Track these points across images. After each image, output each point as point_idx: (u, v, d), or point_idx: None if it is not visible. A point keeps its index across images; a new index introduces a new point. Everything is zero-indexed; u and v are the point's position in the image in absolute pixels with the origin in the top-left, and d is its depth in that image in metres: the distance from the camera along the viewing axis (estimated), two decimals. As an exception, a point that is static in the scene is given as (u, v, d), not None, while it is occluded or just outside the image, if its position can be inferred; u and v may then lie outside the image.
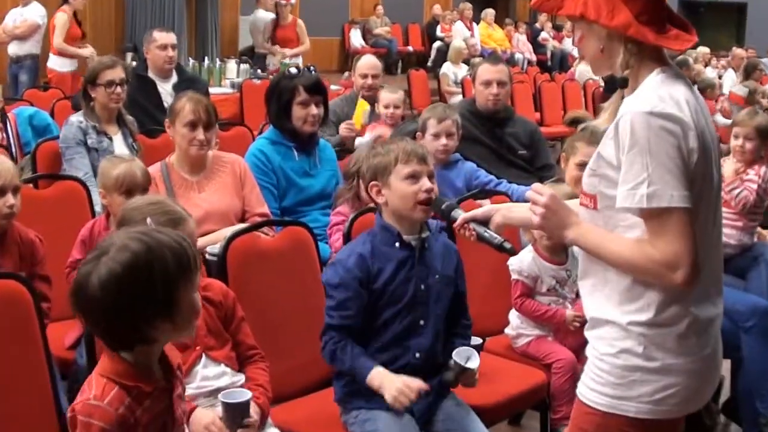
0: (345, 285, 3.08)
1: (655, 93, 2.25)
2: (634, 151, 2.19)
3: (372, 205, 3.47)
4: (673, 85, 2.27)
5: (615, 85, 2.55)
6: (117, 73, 5.25)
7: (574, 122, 4.86)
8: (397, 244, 3.13)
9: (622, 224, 2.30)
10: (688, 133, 2.19)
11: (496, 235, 2.62)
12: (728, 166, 4.84)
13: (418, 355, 3.13)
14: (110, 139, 5.22)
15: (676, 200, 2.17)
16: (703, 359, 2.33)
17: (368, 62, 6.46)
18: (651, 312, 2.28)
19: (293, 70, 4.86)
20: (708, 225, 2.31)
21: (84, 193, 4.42)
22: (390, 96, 6.04)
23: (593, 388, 2.36)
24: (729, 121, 9.33)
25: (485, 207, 2.70)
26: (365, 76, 6.33)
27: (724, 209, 4.46)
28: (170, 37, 6.53)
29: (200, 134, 4.24)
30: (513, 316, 4.03)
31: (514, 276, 3.94)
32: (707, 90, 11.03)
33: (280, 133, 4.74)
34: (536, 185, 2.43)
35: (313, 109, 4.74)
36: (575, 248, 3.81)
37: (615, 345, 2.33)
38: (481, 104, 5.49)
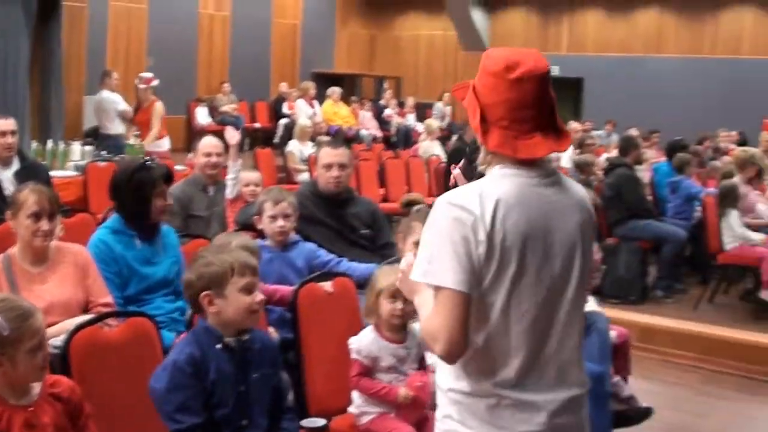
0: (182, 386, 3.16)
1: (470, 186, 2.47)
2: (429, 232, 2.43)
3: None
4: (498, 183, 2.44)
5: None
6: None
7: (410, 204, 5.05)
8: (218, 346, 3.25)
9: None
10: (478, 227, 2.36)
11: None
12: None
13: None
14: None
15: (447, 281, 2.36)
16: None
17: (211, 142, 6.58)
18: (466, 381, 2.48)
19: (148, 162, 4.91)
20: (513, 311, 2.43)
21: None
22: (250, 176, 6.40)
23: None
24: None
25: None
26: (209, 155, 6.42)
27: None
28: (8, 124, 6.46)
29: (44, 225, 4.24)
30: (355, 394, 4.10)
31: (353, 355, 4.04)
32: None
33: (122, 221, 4.76)
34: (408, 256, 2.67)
35: (168, 199, 4.85)
36: (415, 325, 4.03)
37: (441, 410, 2.55)
38: (323, 186, 5.64)
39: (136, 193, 4.73)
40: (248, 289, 3.26)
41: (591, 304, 5.25)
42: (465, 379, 2.48)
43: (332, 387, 4.21)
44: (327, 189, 5.62)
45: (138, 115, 11.88)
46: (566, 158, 12.46)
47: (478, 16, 21.93)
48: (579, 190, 2.60)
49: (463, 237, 2.37)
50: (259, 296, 3.28)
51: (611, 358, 5.13)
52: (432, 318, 2.42)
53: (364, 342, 4.06)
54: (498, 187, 2.43)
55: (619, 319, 5.98)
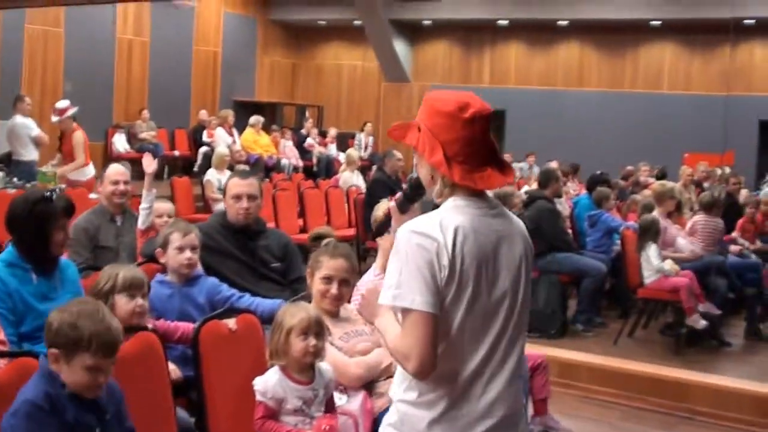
0: (43, 424, 3.02)
1: (429, 216, 2.67)
2: (395, 259, 2.62)
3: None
4: (454, 214, 2.66)
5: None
6: None
7: (318, 238, 4.92)
8: (64, 390, 3.09)
9: None
10: (441, 253, 2.57)
11: None
12: None
13: None
14: None
15: (416, 304, 2.55)
16: None
17: (118, 169, 6.37)
18: (413, 394, 2.67)
19: (49, 193, 4.64)
20: (470, 332, 2.65)
21: None
22: (163, 206, 6.23)
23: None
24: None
25: None
26: (116, 183, 6.19)
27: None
28: None
29: None
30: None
31: (258, 397, 3.87)
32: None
33: (17, 254, 4.49)
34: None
35: (67, 232, 4.59)
36: (323, 365, 3.87)
37: (388, 418, 2.75)
38: (232, 217, 5.46)
39: (36, 227, 4.46)
40: (94, 369, 3.09)
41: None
42: (415, 390, 2.67)
43: (236, 429, 4.01)
44: (236, 220, 5.44)
45: (63, 144, 11.42)
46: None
47: (400, 47, 21.97)
48: (518, 221, 2.84)
49: (428, 262, 2.58)
50: (100, 378, 3.12)
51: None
52: (402, 338, 2.60)
53: (270, 383, 3.89)
54: (455, 216, 2.65)
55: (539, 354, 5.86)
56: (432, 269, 2.57)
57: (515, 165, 16.23)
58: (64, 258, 4.79)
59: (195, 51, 20.04)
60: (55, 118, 11.30)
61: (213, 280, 4.94)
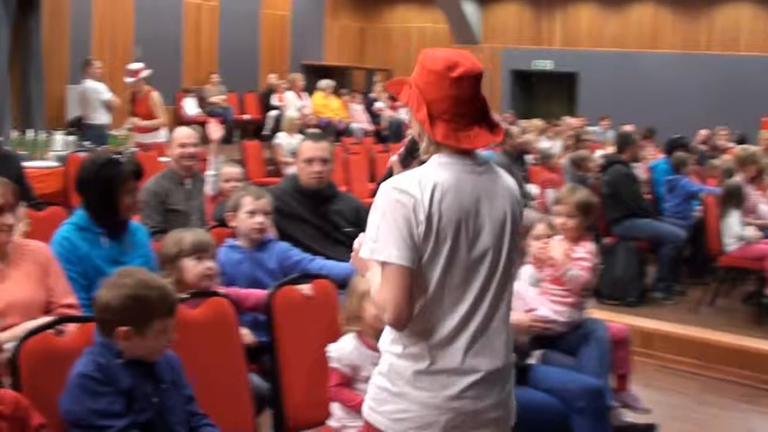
0: (96, 393, 3.04)
1: (410, 174, 2.74)
2: (375, 214, 2.71)
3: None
4: (436, 170, 2.72)
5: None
6: None
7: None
8: (119, 360, 3.12)
9: None
10: (418, 209, 2.65)
11: None
12: (557, 247, 4.79)
13: None
14: None
15: (392, 257, 2.64)
16: (444, 399, 2.70)
17: (185, 132, 6.30)
18: (399, 347, 2.75)
19: (117, 156, 4.54)
20: (450, 288, 2.72)
21: None
22: (231, 171, 6.09)
23: (366, 403, 2.86)
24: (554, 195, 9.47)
25: None
26: (184, 146, 6.13)
27: (554, 286, 4.44)
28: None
29: (8, 219, 3.92)
30: (335, 406, 3.85)
31: (332, 364, 3.79)
32: (547, 160, 11.18)
33: (88, 218, 4.42)
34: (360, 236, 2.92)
35: (136, 196, 4.52)
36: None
37: (378, 367, 2.84)
38: (304, 181, 5.35)
39: (103, 190, 4.38)
40: (165, 331, 3.18)
41: (588, 311, 4.98)
42: (399, 344, 2.75)
43: (311, 397, 3.94)
44: (308, 184, 5.34)
45: (135, 106, 11.49)
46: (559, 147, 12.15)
47: (469, 9, 21.66)
48: (508, 178, 2.87)
49: (405, 218, 2.64)
50: (171, 336, 3.21)
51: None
52: (380, 291, 2.68)
53: (345, 350, 3.80)
54: (436, 173, 2.70)
55: (617, 322, 5.67)
56: (409, 225, 2.64)
57: (589, 128, 15.86)
58: (134, 221, 4.72)
59: (264, 15, 19.93)
60: (129, 80, 11.30)
61: (283, 245, 4.84)
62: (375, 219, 2.70)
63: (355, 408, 3.72)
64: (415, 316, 2.69)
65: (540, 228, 4.89)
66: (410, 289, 2.66)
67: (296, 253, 4.80)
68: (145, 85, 11.42)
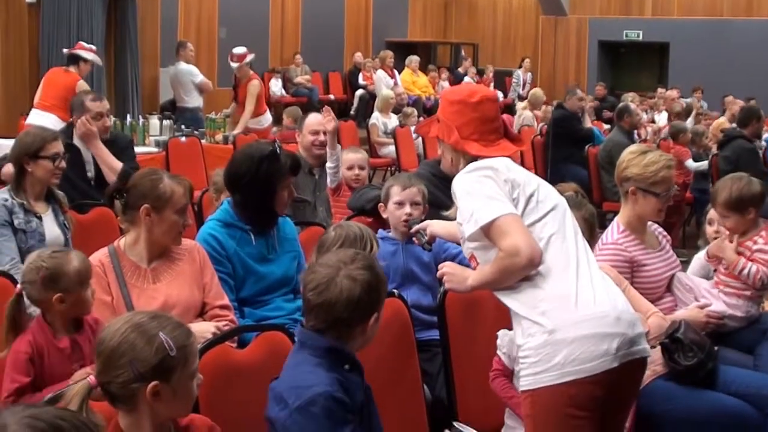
0: (348, 421, 2.63)
1: (472, 165, 3.14)
2: (462, 199, 3.06)
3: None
4: (479, 163, 3.13)
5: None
6: (60, 146, 4.78)
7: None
8: (346, 368, 2.72)
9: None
10: (499, 175, 3.03)
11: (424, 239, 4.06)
12: (727, 248, 4.40)
13: None
14: (39, 218, 4.68)
15: (498, 211, 2.91)
16: (593, 323, 2.87)
17: (317, 119, 5.98)
18: (532, 325, 2.91)
19: (276, 149, 4.26)
20: (548, 239, 2.99)
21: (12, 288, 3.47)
22: (354, 156, 5.75)
23: (521, 376, 2.96)
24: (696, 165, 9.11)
25: (425, 222, 4.08)
26: (316, 133, 5.85)
27: (729, 279, 4.05)
28: (104, 105, 5.91)
29: (189, 220, 3.85)
30: (507, 413, 3.61)
31: (498, 350, 3.58)
32: (678, 135, 10.75)
33: (233, 213, 4.21)
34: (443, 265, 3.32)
35: (292, 191, 4.34)
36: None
37: (526, 332, 2.93)
38: (446, 166, 5.07)
39: (262, 187, 4.17)
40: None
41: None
42: (531, 322, 2.94)
43: (484, 399, 3.68)
44: (450, 170, 5.04)
45: (238, 92, 10.96)
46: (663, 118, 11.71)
47: (557, -21, 21.18)
48: None
49: (492, 184, 3.00)
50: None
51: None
52: (504, 240, 2.88)
53: (507, 338, 3.52)
54: (482, 162, 3.13)
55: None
56: (499, 187, 2.98)
57: (682, 101, 15.37)
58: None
59: (347, -8, 19.70)
60: (233, 64, 10.86)
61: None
62: (466, 202, 3.02)
63: (507, 403, 3.54)
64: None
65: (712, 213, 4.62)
66: (526, 229, 2.93)
67: (452, 246, 4.51)
68: (250, 70, 10.92)
